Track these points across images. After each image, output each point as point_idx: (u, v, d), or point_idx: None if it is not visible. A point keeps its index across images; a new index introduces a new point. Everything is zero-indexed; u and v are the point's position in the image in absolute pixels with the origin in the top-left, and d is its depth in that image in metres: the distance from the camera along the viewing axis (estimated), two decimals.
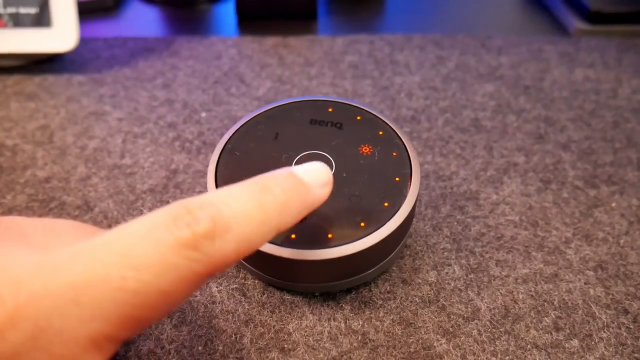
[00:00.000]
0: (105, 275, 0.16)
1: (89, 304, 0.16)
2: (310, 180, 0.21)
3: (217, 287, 0.28)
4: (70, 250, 0.17)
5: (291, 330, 0.26)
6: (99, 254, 0.16)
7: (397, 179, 0.27)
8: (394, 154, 0.28)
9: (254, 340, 0.26)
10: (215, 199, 0.18)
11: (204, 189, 0.34)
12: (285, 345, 0.25)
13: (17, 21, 0.44)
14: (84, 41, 0.49)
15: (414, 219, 0.32)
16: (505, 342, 0.26)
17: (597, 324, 0.26)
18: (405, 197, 0.26)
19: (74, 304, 0.15)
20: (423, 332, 0.26)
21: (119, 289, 0.16)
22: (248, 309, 0.27)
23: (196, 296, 0.28)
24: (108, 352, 0.17)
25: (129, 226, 0.17)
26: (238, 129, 0.29)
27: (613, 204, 0.33)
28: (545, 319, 0.27)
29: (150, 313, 0.17)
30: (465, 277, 0.29)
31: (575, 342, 0.26)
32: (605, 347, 0.25)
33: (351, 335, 0.26)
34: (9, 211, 0.33)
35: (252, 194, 0.19)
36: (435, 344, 0.25)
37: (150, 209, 0.33)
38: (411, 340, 0.26)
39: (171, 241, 0.16)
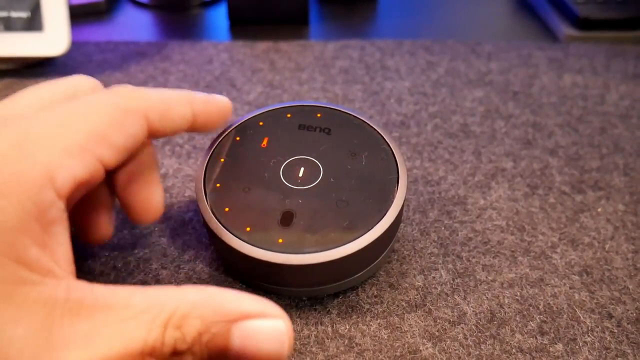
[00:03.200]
0: None
1: None
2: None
3: None
4: None
5: None
6: None
7: (384, 184, 0.27)
8: (382, 159, 0.28)
9: None
10: None
11: (193, 193, 0.34)
12: None
13: (9, 25, 0.44)
14: (75, 45, 0.49)
15: (402, 224, 0.32)
16: (490, 346, 0.26)
17: (581, 328, 0.27)
18: (392, 201, 0.27)
19: None
20: (409, 336, 0.26)
21: None
22: None
23: None
24: None
25: None
26: (227, 133, 0.30)
27: (599, 209, 0.33)
28: (531, 323, 0.27)
29: None
30: (451, 282, 0.29)
31: (559, 346, 0.26)
32: (589, 351, 0.26)
33: (338, 340, 0.26)
34: None
35: None
36: (421, 348, 0.26)
37: None
38: (397, 344, 0.26)
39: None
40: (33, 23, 0.44)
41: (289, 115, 0.30)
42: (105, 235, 0.27)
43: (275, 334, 0.19)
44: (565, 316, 0.27)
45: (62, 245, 0.20)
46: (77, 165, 0.20)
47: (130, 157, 0.24)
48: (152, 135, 0.24)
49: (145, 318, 0.18)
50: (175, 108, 0.24)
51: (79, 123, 0.21)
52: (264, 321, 0.19)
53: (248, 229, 0.25)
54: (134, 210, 0.26)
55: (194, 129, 0.26)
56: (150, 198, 0.26)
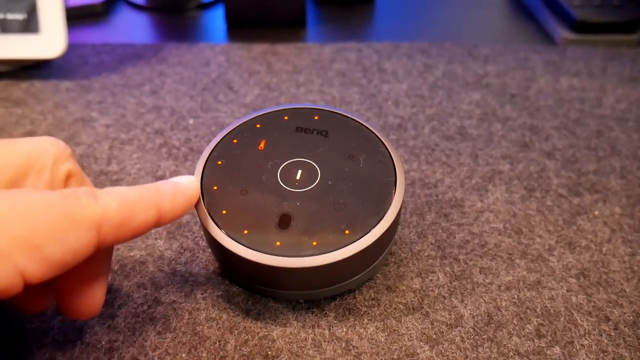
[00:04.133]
0: None
1: None
2: (177, 179, 0.25)
3: (201, 294, 0.28)
4: None
5: (275, 337, 0.26)
6: None
7: (382, 186, 0.27)
8: (379, 161, 0.28)
9: (238, 347, 0.26)
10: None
11: None
12: (269, 352, 0.25)
13: (5, 27, 0.44)
14: (72, 47, 0.49)
15: (399, 227, 0.32)
16: (487, 349, 0.26)
17: (578, 331, 0.27)
18: (390, 204, 0.26)
19: None
20: (406, 339, 0.26)
21: None
22: (232, 315, 0.27)
23: (181, 303, 0.28)
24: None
25: None
26: (225, 136, 0.30)
27: (596, 212, 0.33)
28: (528, 326, 0.27)
29: None
30: (449, 284, 0.29)
31: (556, 349, 0.26)
32: (586, 354, 0.26)
33: (335, 342, 0.26)
34: None
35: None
36: (418, 351, 0.26)
37: None
38: (394, 347, 0.26)
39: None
40: (29, 25, 0.44)
41: (286, 118, 0.30)
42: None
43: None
44: (562, 319, 0.27)
45: None
46: None
47: (70, 270, 0.20)
48: (102, 246, 0.20)
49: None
50: (138, 216, 0.21)
51: (8, 224, 0.17)
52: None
53: (245, 231, 0.25)
54: (66, 306, 0.23)
55: (154, 227, 0.23)
56: (89, 301, 0.23)
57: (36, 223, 0.18)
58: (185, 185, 0.25)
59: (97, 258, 0.23)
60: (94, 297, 0.23)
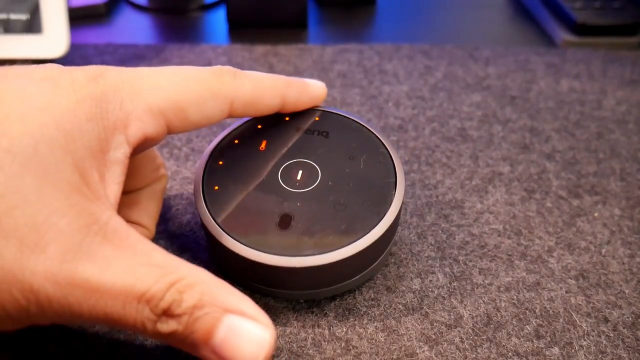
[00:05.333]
0: None
1: None
2: (308, 80, 0.29)
3: None
4: None
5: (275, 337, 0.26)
6: None
7: (382, 187, 0.27)
8: (380, 162, 0.28)
9: None
10: None
11: (191, 196, 0.34)
12: None
13: (8, 27, 0.44)
14: (74, 47, 0.49)
15: (399, 227, 0.32)
16: (487, 350, 0.26)
17: (577, 332, 0.27)
18: (390, 205, 0.27)
19: None
20: (406, 340, 0.26)
21: None
22: None
23: None
24: None
25: None
26: (226, 136, 0.30)
27: (596, 214, 0.33)
28: (527, 326, 0.27)
29: None
30: (448, 285, 0.29)
31: (555, 350, 0.26)
32: (585, 355, 0.26)
33: (335, 342, 0.26)
34: None
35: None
36: (417, 351, 0.26)
37: None
38: (394, 347, 0.26)
39: None
40: (32, 25, 0.44)
41: (287, 119, 0.30)
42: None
43: (259, 339, 0.20)
44: (561, 320, 0.27)
45: (116, 185, 0.22)
46: (150, 123, 0.23)
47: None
48: (232, 116, 0.26)
49: (158, 271, 0.19)
50: (265, 99, 0.26)
51: (168, 89, 0.23)
52: (254, 324, 0.20)
53: (246, 231, 0.26)
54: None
55: (276, 111, 0.28)
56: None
57: (186, 92, 0.23)
58: (313, 87, 0.29)
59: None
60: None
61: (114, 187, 0.22)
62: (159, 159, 0.29)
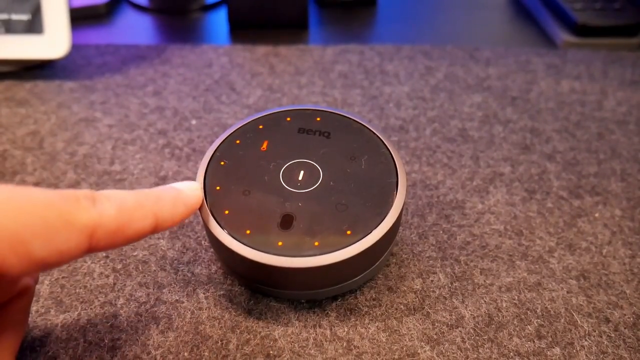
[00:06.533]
0: None
1: None
2: (180, 186, 0.25)
3: (204, 294, 0.28)
4: None
5: (277, 337, 0.26)
6: None
7: (383, 187, 0.27)
8: (381, 163, 0.28)
9: (240, 346, 0.26)
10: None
11: None
12: (271, 352, 0.26)
13: (9, 27, 0.44)
14: (75, 48, 0.49)
15: (400, 227, 0.32)
16: (488, 350, 0.26)
17: (578, 332, 0.27)
18: (391, 205, 0.27)
19: None
20: (407, 340, 0.26)
21: None
22: (234, 315, 0.27)
23: (183, 302, 0.28)
24: None
25: None
26: (227, 136, 0.30)
27: (596, 214, 0.33)
28: (528, 327, 0.27)
29: None
30: (450, 285, 0.29)
31: (557, 350, 0.26)
32: (586, 355, 0.26)
33: (336, 342, 0.26)
34: None
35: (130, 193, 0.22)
36: (419, 351, 0.26)
37: None
38: (395, 347, 0.26)
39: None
40: (34, 26, 0.44)
41: (288, 119, 0.30)
42: None
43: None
44: (562, 320, 0.27)
45: None
46: None
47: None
48: (92, 251, 0.20)
49: None
50: (134, 224, 0.21)
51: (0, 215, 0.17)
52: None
53: (248, 231, 0.26)
54: None
55: (149, 235, 0.23)
56: None
57: (29, 219, 0.18)
58: (187, 193, 0.25)
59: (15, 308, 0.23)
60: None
61: None
62: None
